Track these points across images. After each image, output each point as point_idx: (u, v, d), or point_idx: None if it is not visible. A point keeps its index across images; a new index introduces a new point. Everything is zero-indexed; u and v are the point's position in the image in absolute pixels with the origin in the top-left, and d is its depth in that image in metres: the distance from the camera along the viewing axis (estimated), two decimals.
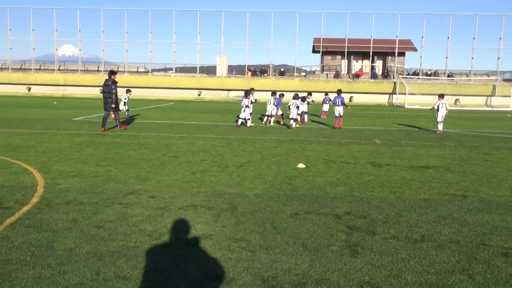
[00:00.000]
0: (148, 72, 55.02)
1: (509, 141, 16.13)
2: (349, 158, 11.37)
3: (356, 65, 57.48)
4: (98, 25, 58.89)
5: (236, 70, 66.04)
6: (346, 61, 55.30)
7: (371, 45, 52.39)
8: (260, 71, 54.47)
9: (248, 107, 19.09)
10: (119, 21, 68.70)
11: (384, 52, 56.40)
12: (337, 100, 20.12)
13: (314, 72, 58.45)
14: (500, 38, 51.52)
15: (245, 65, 54.17)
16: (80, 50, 55.34)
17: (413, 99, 45.67)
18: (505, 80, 52.39)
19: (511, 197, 7.67)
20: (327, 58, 57.71)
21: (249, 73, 52.94)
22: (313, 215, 6.32)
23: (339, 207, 6.79)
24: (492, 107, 46.59)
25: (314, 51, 61.01)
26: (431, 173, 9.69)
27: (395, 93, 48.07)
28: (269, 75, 53.52)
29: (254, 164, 10.19)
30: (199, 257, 4.83)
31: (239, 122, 19.14)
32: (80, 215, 6.07)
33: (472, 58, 52.19)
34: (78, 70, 53.91)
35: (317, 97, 34.49)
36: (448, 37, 52.43)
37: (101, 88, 15.61)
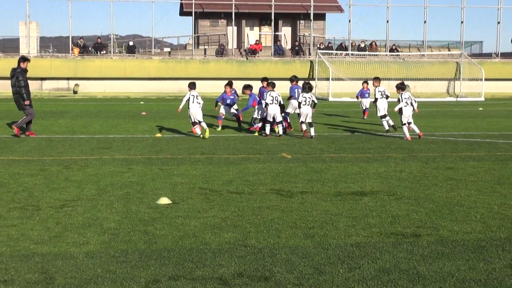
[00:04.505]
0: None
1: (481, 148, 17.47)
2: (241, 185, 11.57)
3: (251, 34, 58.80)
4: None
5: (54, 45, 64.33)
6: (235, 28, 56.37)
7: (273, 3, 53.90)
8: (94, 46, 53.69)
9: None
10: None
11: (293, 14, 58.33)
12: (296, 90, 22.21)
13: (184, 46, 58.81)
14: None
15: (68, 37, 53.00)
16: None
17: (341, 86, 47.46)
18: (473, 55, 56.40)
19: (484, 233, 8.28)
20: (204, 24, 58.47)
21: (76, 50, 51.90)
22: (183, 282, 6.34)
23: (226, 265, 6.88)
24: (457, 96, 49.95)
25: (182, 13, 61.52)
26: (367, 202, 10.16)
27: (313, 78, 49.78)
28: (110, 52, 52.94)
29: (86, 202, 10.05)
30: None
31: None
32: None
33: (425, 22, 55.73)
34: None
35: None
36: None
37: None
